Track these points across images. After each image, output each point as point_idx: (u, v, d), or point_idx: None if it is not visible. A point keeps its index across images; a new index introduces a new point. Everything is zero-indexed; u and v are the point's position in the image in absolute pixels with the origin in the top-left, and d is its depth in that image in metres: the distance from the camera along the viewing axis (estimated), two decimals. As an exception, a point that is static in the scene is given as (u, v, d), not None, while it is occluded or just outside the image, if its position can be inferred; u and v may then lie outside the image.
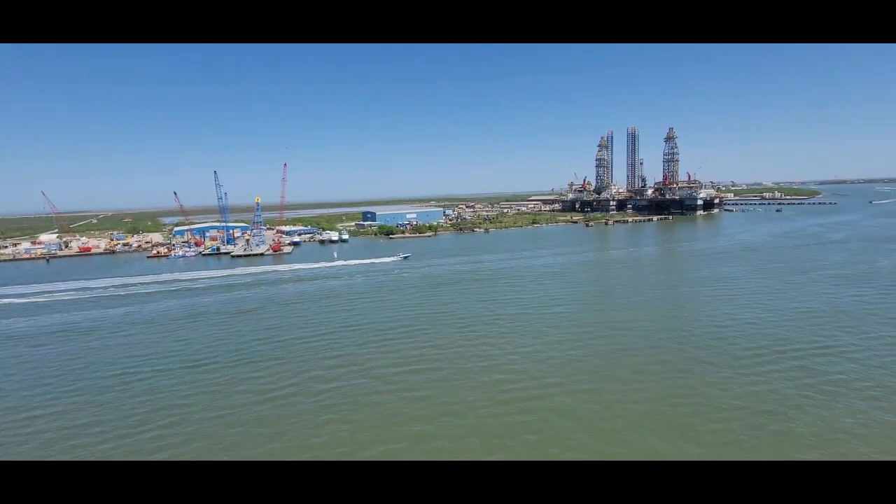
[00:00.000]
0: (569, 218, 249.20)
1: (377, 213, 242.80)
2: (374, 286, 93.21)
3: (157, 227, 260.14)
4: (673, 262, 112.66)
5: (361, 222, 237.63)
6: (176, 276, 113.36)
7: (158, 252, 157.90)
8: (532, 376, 45.93)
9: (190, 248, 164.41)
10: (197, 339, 62.52)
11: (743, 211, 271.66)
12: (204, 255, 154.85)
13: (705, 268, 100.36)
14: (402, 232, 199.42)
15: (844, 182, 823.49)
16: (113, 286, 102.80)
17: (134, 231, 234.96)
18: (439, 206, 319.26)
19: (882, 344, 50.75)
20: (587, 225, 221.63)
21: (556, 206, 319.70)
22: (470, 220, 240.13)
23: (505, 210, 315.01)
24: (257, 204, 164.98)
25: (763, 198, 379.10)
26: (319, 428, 37.83)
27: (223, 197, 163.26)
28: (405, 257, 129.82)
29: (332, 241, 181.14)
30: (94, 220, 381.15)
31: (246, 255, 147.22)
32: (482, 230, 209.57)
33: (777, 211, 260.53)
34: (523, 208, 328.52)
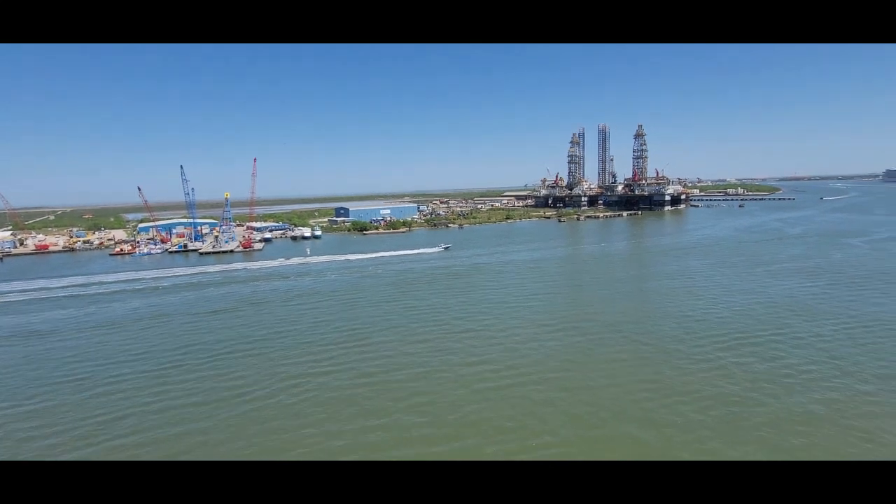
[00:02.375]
0: (542, 213, 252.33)
1: (350, 209, 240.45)
2: (349, 283, 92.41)
3: (120, 224, 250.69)
4: (642, 257, 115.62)
5: (334, 218, 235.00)
6: (141, 274, 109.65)
7: (122, 249, 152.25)
8: (509, 368, 46.52)
9: (155, 245, 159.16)
10: (164, 340, 60.77)
11: (708, 206, 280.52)
12: (170, 252, 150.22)
13: (673, 262, 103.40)
14: (376, 228, 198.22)
15: (802, 179, 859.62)
16: (73, 285, 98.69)
17: (95, 228, 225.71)
18: (413, 202, 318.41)
19: (833, 332, 53.50)
20: (560, 220, 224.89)
21: (530, 201, 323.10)
22: (444, 216, 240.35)
23: (479, 206, 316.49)
24: (226, 199, 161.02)
25: (727, 194, 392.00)
26: (297, 427, 37.42)
27: (190, 192, 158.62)
28: (446, 248, 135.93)
29: (304, 238, 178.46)
30: (52, 217, 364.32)
31: (215, 252, 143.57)
32: (456, 226, 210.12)
33: (740, 206, 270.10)
34: (497, 204, 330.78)
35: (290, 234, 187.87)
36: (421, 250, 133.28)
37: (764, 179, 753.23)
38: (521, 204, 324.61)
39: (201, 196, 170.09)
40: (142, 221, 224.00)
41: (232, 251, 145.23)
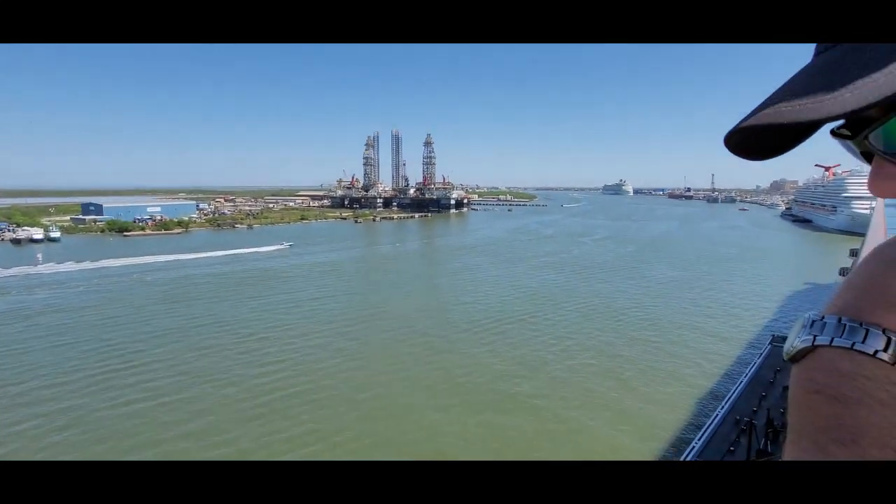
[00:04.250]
0: (338, 214, 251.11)
1: (105, 206, 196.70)
2: (106, 296, 76.35)
3: None
4: (432, 255, 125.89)
5: (81, 216, 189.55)
6: None
7: None
8: (301, 371, 45.23)
9: None
10: None
11: (485, 210, 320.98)
12: None
13: (458, 259, 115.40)
14: (142, 228, 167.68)
15: (551, 189, 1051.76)
16: None
17: None
18: (191, 199, 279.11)
19: (572, 310, 67.75)
20: (356, 221, 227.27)
21: (326, 202, 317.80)
22: (230, 216, 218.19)
23: (271, 205, 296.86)
24: None
25: (499, 199, 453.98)
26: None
27: None
28: (290, 245, 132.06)
29: (33, 241, 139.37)
30: None
31: None
32: (245, 226, 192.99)
33: (508, 211, 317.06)
34: (291, 204, 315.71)
35: (9, 235, 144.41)
36: (203, 254, 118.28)
37: (525, 188, 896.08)
38: (316, 204, 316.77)
39: None
40: None
41: None
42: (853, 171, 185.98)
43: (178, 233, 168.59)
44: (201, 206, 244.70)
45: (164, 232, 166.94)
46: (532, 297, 75.98)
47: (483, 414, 38.41)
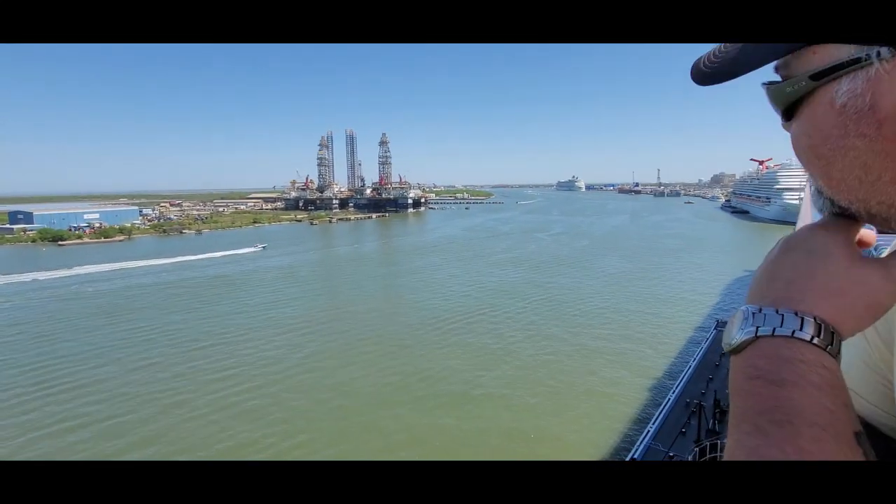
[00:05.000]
0: (293, 216, 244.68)
1: (35, 213, 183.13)
2: (40, 311, 71.27)
3: None
4: (391, 256, 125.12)
5: (8, 225, 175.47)
6: None
7: None
8: (259, 378, 43.97)
9: None
10: None
11: (442, 209, 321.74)
12: None
13: (417, 259, 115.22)
14: (80, 236, 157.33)
15: (507, 186, 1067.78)
16: None
17: None
18: (133, 205, 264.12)
19: (531, 304, 69.23)
20: (312, 223, 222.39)
21: (279, 204, 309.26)
22: (177, 221, 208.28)
23: (221, 209, 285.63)
24: None
25: (456, 198, 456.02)
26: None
27: None
28: (263, 247, 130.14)
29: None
30: None
31: None
32: (193, 231, 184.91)
33: (466, 209, 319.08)
34: (242, 207, 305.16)
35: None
36: (149, 262, 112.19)
37: (482, 186, 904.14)
38: (269, 207, 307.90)
39: None
40: None
41: None
42: (784, 165, 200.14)
43: (121, 240, 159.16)
44: (145, 211, 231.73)
45: (104, 240, 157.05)
46: (491, 293, 76.99)
47: (446, 410, 38.64)
